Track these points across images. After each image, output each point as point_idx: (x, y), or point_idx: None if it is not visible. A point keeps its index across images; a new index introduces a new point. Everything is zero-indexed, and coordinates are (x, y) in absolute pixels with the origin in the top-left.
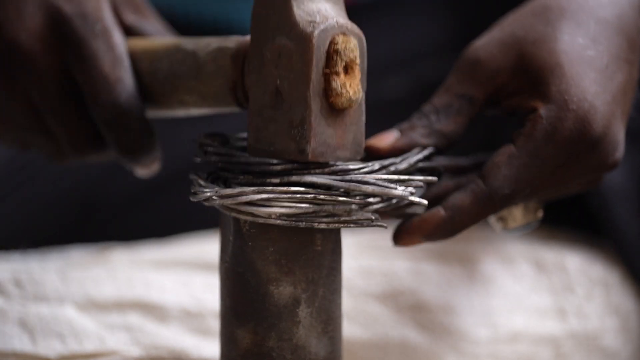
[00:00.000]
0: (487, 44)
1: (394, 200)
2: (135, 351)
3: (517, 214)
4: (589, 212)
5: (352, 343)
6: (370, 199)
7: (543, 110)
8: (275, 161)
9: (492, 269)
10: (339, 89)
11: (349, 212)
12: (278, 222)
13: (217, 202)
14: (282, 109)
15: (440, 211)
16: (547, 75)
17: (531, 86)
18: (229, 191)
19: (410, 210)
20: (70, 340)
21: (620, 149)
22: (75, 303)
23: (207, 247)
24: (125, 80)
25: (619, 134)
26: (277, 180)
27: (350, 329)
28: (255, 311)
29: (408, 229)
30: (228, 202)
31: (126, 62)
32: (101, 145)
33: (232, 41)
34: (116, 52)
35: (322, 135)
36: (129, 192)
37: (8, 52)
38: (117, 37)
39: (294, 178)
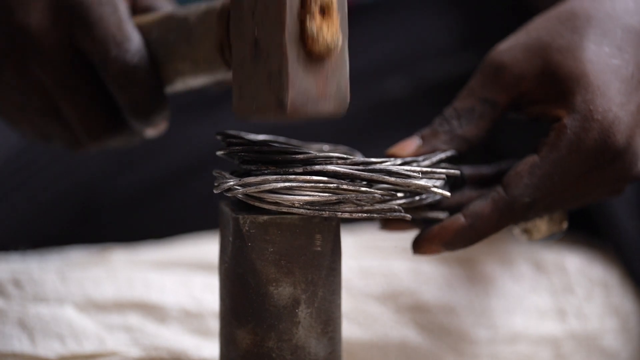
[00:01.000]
0: (512, 48)
1: (417, 198)
2: (135, 352)
3: (541, 225)
4: (589, 213)
5: (352, 343)
6: (393, 192)
7: (568, 120)
8: (298, 150)
9: (491, 270)
10: (315, 33)
11: (372, 203)
12: (301, 210)
13: (240, 191)
14: (260, 60)
15: (460, 218)
16: (572, 84)
17: (556, 94)
18: (252, 179)
19: (432, 214)
20: (69, 341)
21: (638, 171)
22: (75, 304)
23: (207, 248)
24: (133, 37)
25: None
26: (300, 170)
27: (349, 329)
28: (254, 312)
29: (427, 235)
30: (252, 190)
31: (132, 23)
32: (115, 128)
33: (219, 1)
34: (121, 14)
35: (301, 84)
36: (128, 193)
37: (20, 36)
38: (121, 3)
39: (317, 167)
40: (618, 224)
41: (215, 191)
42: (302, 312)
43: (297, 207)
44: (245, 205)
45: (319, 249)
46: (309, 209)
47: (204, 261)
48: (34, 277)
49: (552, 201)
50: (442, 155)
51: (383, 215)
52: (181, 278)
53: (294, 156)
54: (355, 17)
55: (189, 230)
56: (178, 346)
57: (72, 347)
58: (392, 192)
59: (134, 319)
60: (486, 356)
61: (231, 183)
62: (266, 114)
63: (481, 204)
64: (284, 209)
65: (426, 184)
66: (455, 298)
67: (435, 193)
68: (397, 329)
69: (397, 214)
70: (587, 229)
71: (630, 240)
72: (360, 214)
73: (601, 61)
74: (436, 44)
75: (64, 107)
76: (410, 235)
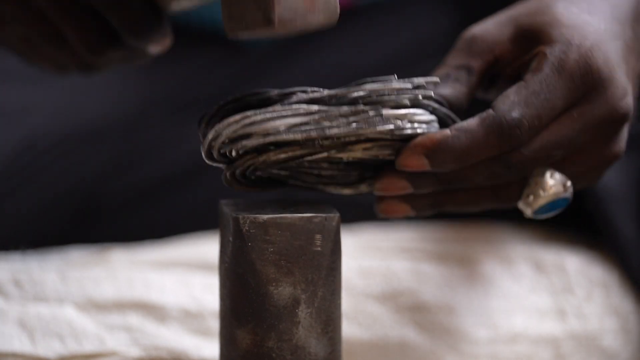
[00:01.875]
0: (482, 23)
1: (403, 112)
2: (135, 352)
3: (545, 185)
4: (588, 213)
5: (352, 343)
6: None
7: (547, 49)
8: (275, 90)
9: (491, 270)
10: None
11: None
12: (290, 136)
13: (225, 132)
14: None
15: (446, 130)
16: (547, 29)
17: (532, 45)
18: (232, 118)
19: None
20: (69, 341)
21: (628, 96)
22: (75, 303)
23: (207, 248)
24: None
25: (626, 82)
26: (278, 100)
27: (349, 329)
28: (254, 312)
29: (411, 144)
30: (236, 128)
31: None
32: (114, 43)
33: None
34: None
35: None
36: (128, 193)
37: None
38: None
39: (294, 98)
40: (616, 225)
41: (200, 140)
42: (302, 312)
43: (285, 133)
44: (245, 206)
45: (319, 249)
46: (296, 132)
47: (204, 261)
48: (34, 277)
49: (540, 125)
50: (422, 80)
51: (373, 129)
52: (181, 278)
53: (268, 94)
54: (355, 17)
55: (189, 230)
56: (178, 346)
57: (72, 347)
58: (377, 107)
59: (134, 319)
60: (486, 356)
61: (215, 129)
62: (255, 30)
63: (469, 121)
64: (271, 139)
65: (405, 85)
66: (455, 298)
67: (419, 86)
68: (397, 329)
69: (387, 125)
70: (586, 230)
71: (629, 241)
72: (348, 129)
73: (572, 16)
74: (436, 45)
75: (64, 30)
76: (410, 236)
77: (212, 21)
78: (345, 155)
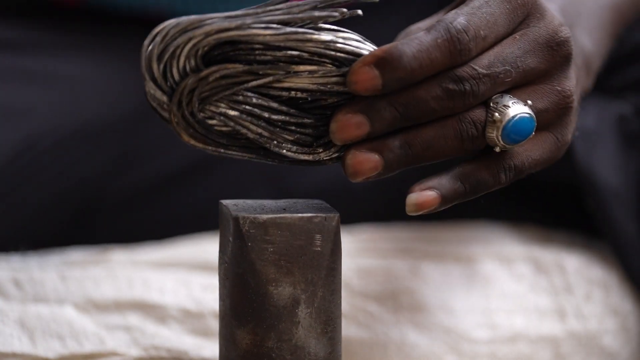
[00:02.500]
0: None
1: (338, 30)
2: (135, 352)
3: (505, 101)
4: (587, 213)
5: (352, 343)
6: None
7: None
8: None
9: (491, 270)
10: None
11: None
12: (225, 24)
13: (168, 33)
14: None
15: (395, 43)
16: None
17: None
18: (168, 24)
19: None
20: (69, 341)
21: (565, 29)
22: (75, 303)
23: (207, 248)
24: None
25: (561, 21)
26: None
27: (349, 329)
28: (254, 312)
29: (360, 58)
30: (175, 30)
31: None
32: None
33: None
34: None
35: None
36: (128, 192)
37: None
38: None
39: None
40: (616, 225)
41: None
42: (302, 312)
43: (219, 20)
44: (245, 206)
45: (318, 249)
46: (230, 20)
47: (204, 261)
48: (34, 277)
49: (485, 39)
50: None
51: (310, 36)
52: (181, 278)
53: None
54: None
55: (189, 230)
56: (178, 346)
57: (72, 347)
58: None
59: (134, 319)
60: (485, 356)
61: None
62: None
63: (417, 32)
64: (210, 38)
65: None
66: (454, 298)
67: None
68: (397, 329)
69: (324, 35)
70: (586, 230)
71: (628, 241)
72: (283, 32)
73: None
74: None
75: None
76: (409, 236)
77: None
78: (291, 83)
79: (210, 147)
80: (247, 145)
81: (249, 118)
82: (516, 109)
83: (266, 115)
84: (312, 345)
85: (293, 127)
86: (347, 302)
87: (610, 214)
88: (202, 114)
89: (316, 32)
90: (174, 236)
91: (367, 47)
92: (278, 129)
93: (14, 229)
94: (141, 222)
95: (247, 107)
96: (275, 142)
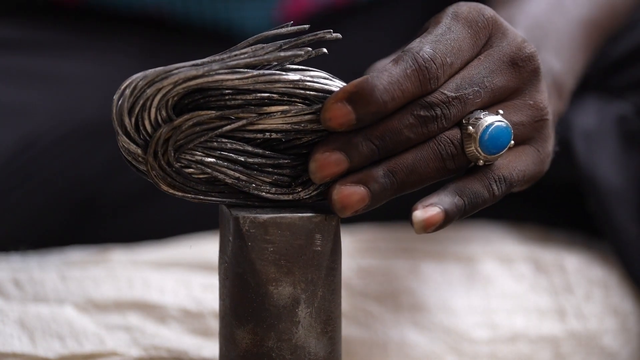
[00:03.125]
0: None
1: (305, 69)
2: (135, 352)
3: (478, 114)
4: (588, 213)
5: (352, 343)
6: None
7: (443, 12)
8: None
9: (491, 269)
10: None
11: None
12: (192, 73)
13: (137, 85)
14: None
15: (366, 77)
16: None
17: None
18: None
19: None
20: (69, 341)
21: (529, 45)
22: (75, 303)
23: (207, 248)
24: None
25: (524, 38)
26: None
27: (349, 329)
28: (254, 311)
29: (332, 94)
30: (145, 81)
31: None
32: None
33: None
34: None
35: None
36: (128, 192)
37: None
38: None
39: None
40: (617, 225)
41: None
42: (302, 312)
43: (187, 69)
44: (245, 205)
45: (318, 248)
46: (198, 67)
47: (203, 261)
48: (34, 277)
49: (452, 66)
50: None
51: (277, 77)
52: (181, 278)
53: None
54: (355, 14)
55: (189, 230)
56: (178, 346)
57: (72, 347)
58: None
59: (134, 319)
60: (485, 356)
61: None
62: None
63: (383, 63)
64: (179, 87)
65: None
66: (454, 298)
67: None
68: (397, 329)
69: (292, 75)
70: (586, 230)
71: (629, 241)
72: (251, 75)
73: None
74: None
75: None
76: (409, 236)
77: (214, 20)
78: (265, 125)
79: (189, 195)
80: (226, 190)
81: (226, 163)
82: (489, 119)
83: (242, 159)
84: (312, 345)
85: (270, 169)
86: (347, 302)
87: (611, 214)
88: (178, 164)
89: (284, 73)
90: (174, 236)
91: (335, 84)
92: (255, 172)
93: (13, 229)
94: (141, 222)
95: (223, 152)
96: (253, 184)
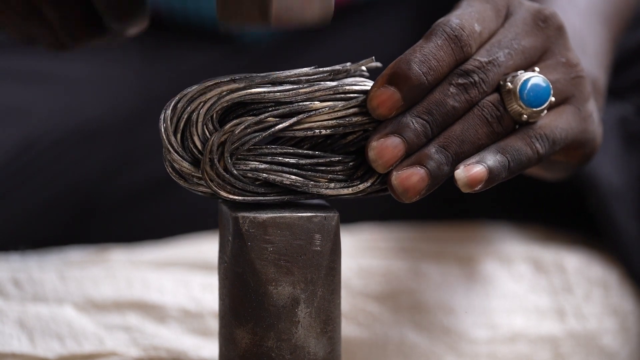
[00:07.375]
0: None
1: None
2: (134, 352)
3: (516, 72)
4: (588, 213)
5: (351, 343)
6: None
7: None
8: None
9: (490, 269)
10: None
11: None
12: (242, 86)
13: (178, 105)
14: None
15: (399, 57)
16: None
17: None
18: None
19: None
20: (69, 341)
21: (546, 7)
22: (74, 303)
23: (207, 248)
24: None
25: (540, 4)
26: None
27: (349, 329)
28: (254, 311)
29: (374, 83)
30: (187, 98)
31: None
32: (96, 29)
33: None
34: None
35: None
36: (128, 192)
37: None
38: None
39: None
40: (617, 224)
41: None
42: (302, 312)
43: (236, 81)
44: (245, 205)
45: (318, 248)
46: (246, 79)
47: (203, 261)
48: (33, 277)
49: (480, 33)
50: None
51: (318, 86)
52: (180, 278)
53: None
54: (354, 14)
55: (189, 230)
56: (177, 346)
57: (72, 347)
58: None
59: (133, 319)
60: (485, 356)
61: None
62: (251, 23)
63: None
64: (225, 99)
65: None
66: (454, 298)
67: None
68: (396, 329)
69: (329, 83)
70: (586, 229)
71: (629, 241)
72: (296, 88)
73: None
74: None
75: (45, 9)
76: (409, 236)
77: (212, 19)
78: (312, 123)
79: (249, 199)
80: (283, 191)
81: (280, 167)
82: (527, 74)
83: (294, 161)
84: (311, 345)
85: (323, 167)
86: (347, 302)
87: (612, 214)
88: (234, 170)
89: (322, 83)
90: (174, 236)
91: (371, 83)
92: (310, 173)
93: (13, 229)
94: (140, 222)
95: (275, 157)
96: (311, 182)
